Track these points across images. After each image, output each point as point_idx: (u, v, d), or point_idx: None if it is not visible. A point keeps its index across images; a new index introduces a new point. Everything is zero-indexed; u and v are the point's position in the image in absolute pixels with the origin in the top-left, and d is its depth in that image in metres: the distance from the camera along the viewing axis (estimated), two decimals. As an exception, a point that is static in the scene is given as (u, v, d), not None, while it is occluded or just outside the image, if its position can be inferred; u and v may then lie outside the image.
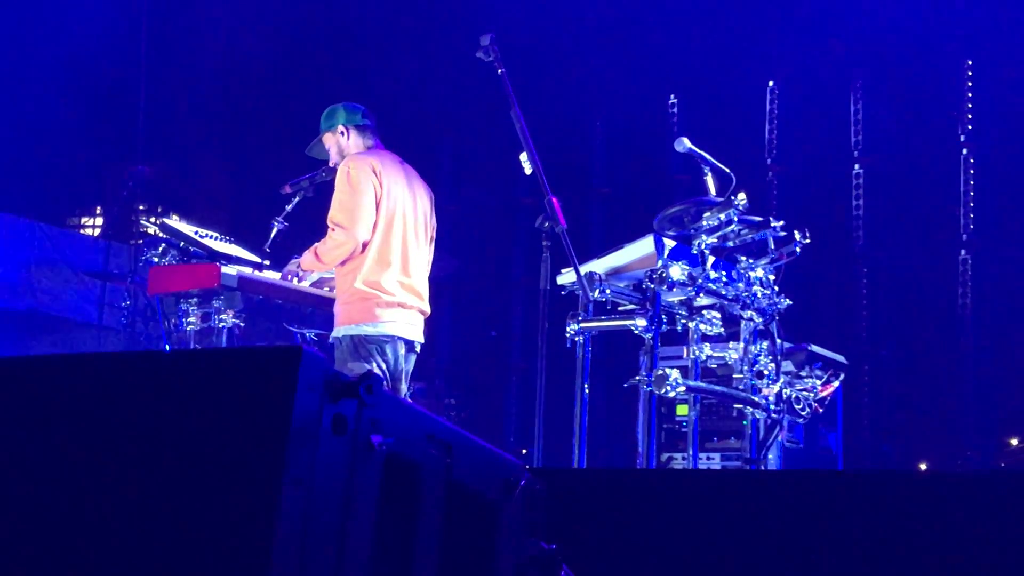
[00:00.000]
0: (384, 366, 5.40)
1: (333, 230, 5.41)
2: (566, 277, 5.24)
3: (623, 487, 2.82)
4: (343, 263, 5.45)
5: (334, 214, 5.42)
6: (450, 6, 10.19)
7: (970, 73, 9.05)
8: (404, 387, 5.57)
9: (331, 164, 5.79)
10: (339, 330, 5.45)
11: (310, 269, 5.69)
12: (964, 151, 9.04)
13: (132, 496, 1.83)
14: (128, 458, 1.87)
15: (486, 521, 2.27)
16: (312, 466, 1.78)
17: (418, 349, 5.64)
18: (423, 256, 5.71)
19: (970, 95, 9.04)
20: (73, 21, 10.14)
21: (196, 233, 6.10)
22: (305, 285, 5.92)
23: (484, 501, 2.26)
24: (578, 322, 4.97)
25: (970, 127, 9.04)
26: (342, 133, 5.70)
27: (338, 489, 1.85)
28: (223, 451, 1.80)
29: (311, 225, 6.01)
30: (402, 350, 5.50)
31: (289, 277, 5.89)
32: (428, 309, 5.70)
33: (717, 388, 5.12)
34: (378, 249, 5.45)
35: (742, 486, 2.84)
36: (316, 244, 5.52)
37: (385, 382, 5.35)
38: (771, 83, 9.93)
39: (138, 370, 2.00)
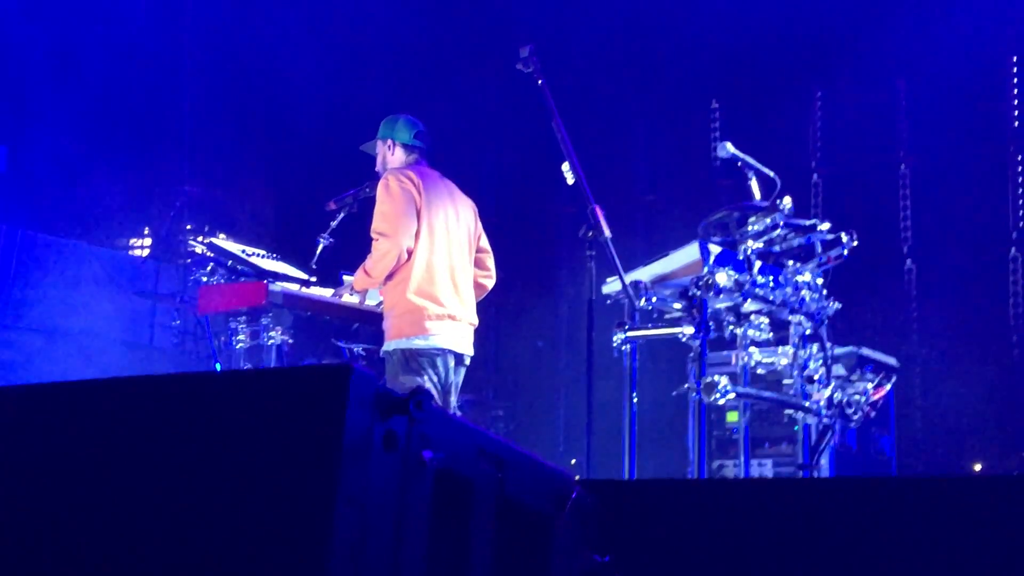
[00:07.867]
0: (435, 379, 5.41)
1: (377, 240, 5.44)
2: (611, 286, 5.23)
3: (675, 498, 2.80)
4: (391, 276, 5.47)
5: (377, 224, 5.45)
6: (489, 18, 10.20)
7: (1015, 69, 8.94)
8: (454, 400, 5.58)
9: (376, 169, 5.83)
10: (389, 344, 5.46)
11: (362, 288, 5.72)
12: (1011, 147, 8.93)
13: (187, 519, 1.84)
14: (183, 480, 1.89)
15: (539, 535, 2.26)
16: (365, 484, 1.78)
17: (467, 362, 5.64)
18: (468, 269, 5.72)
19: (1016, 91, 8.91)
20: (118, 44, 10.27)
21: (243, 252, 6.15)
22: (371, 303, 5.95)
23: (536, 515, 2.26)
24: (625, 331, 4.96)
25: (1016, 124, 8.92)
26: (389, 147, 5.75)
27: (390, 506, 1.85)
28: (276, 472, 1.80)
29: (356, 240, 6.03)
30: (452, 363, 5.51)
31: (342, 298, 5.93)
32: (476, 321, 5.70)
33: (767, 394, 5.08)
34: (426, 260, 5.46)
35: (796, 495, 2.82)
36: (364, 262, 5.54)
37: (436, 396, 5.36)
38: (816, 90, 9.84)
39: (191, 392, 2.01)
